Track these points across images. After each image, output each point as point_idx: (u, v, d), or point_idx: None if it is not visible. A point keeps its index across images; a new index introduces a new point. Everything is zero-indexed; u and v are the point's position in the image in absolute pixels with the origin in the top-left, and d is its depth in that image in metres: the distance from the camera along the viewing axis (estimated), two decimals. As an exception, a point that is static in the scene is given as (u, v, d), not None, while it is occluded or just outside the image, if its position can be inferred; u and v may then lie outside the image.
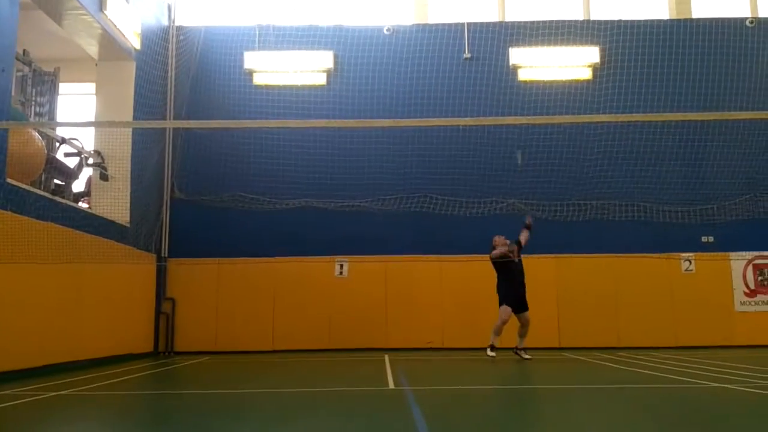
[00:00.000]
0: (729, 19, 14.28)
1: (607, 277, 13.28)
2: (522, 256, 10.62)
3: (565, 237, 13.42)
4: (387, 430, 4.44)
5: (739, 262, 13.27)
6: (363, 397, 6.22)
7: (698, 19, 14.35)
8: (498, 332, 10.09)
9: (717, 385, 6.49)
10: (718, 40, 14.14)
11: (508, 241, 10.29)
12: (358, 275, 13.29)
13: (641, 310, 13.16)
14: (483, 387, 7.11)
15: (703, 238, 13.56)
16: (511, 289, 10.15)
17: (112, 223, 11.05)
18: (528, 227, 10.53)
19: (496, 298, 13.05)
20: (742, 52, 14.14)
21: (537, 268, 13.17)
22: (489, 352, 9.99)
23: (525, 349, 10.33)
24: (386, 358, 10.92)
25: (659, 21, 14.40)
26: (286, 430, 4.51)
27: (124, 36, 11.56)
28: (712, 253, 13.27)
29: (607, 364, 9.43)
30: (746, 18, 14.34)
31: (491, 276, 13.12)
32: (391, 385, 6.93)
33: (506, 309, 10.05)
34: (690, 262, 13.37)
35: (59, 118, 11.69)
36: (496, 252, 10.25)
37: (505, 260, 10.12)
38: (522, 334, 10.32)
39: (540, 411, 5.25)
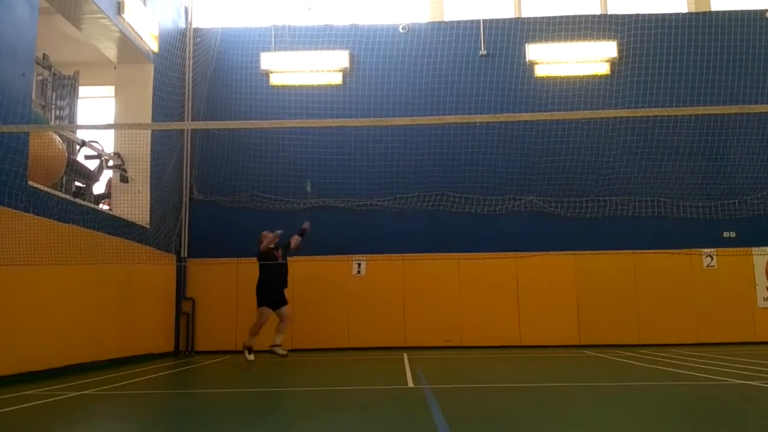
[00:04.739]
0: (748, 12, 14.10)
1: (627, 273, 13.17)
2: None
3: (584, 234, 13.34)
4: (407, 428, 4.44)
5: (761, 258, 13.10)
6: (382, 396, 6.23)
7: (717, 12, 14.19)
8: (254, 333, 10.05)
9: (740, 381, 6.41)
10: (738, 33, 13.96)
11: (277, 234, 10.14)
12: (376, 274, 13.30)
13: (662, 307, 13.05)
14: (503, 385, 7.08)
15: (725, 234, 13.39)
16: (271, 290, 10.11)
17: (133, 224, 11.15)
18: (302, 233, 10.47)
19: (513, 295, 13.17)
20: (762, 45, 13.95)
21: (556, 266, 13.18)
22: (248, 356, 9.95)
23: (279, 346, 10.29)
24: (405, 356, 10.92)
25: (677, 14, 14.25)
26: (305, 429, 4.52)
27: (141, 39, 11.66)
28: (734, 249, 13.12)
29: (628, 361, 9.35)
30: (766, 10, 14.12)
31: (509, 274, 13.17)
32: (411, 384, 6.93)
33: (264, 311, 10.01)
34: (712, 258, 13.23)
35: (79, 121, 11.83)
36: (264, 243, 10.06)
37: (270, 261, 10.00)
38: (280, 330, 10.28)
39: (561, 409, 5.22)
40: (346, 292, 13.23)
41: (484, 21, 14.28)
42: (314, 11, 14.75)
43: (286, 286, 10.51)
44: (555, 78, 14.06)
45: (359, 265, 13.37)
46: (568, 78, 14.03)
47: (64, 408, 5.60)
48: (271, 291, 10.27)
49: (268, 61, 14.20)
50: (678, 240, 13.14)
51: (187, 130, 13.72)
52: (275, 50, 14.25)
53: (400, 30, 14.30)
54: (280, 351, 10.36)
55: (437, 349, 12.77)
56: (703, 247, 13.24)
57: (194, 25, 14.22)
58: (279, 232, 10.24)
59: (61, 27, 10.86)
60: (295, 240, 10.71)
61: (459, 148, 13.81)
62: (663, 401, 5.44)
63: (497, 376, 8.16)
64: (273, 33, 14.32)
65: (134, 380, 7.78)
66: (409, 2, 14.98)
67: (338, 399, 6.08)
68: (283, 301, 10.40)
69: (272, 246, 10.29)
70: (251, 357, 10.21)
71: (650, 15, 14.16)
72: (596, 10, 14.56)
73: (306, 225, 10.78)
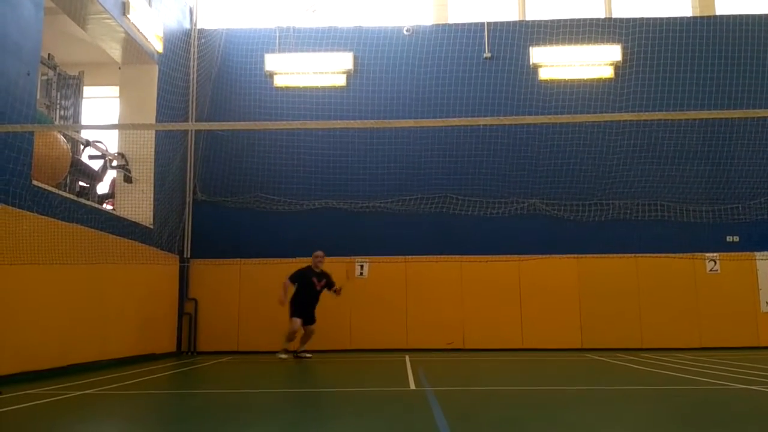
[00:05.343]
0: (753, 16, 14.08)
1: (630, 277, 13.15)
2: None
3: (587, 237, 13.33)
4: (409, 431, 4.44)
5: (765, 262, 13.06)
6: (384, 398, 6.23)
7: (722, 16, 14.17)
8: (289, 339, 10.87)
9: (741, 386, 6.40)
10: (743, 37, 13.95)
11: (321, 257, 11.15)
12: (379, 276, 13.30)
13: (665, 311, 13.02)
14: (505, 388, 7.08)
15: (728, 238, 13.36)
16: (303, 306, 10.83)
17: (136, 224, 11.17)
18: (336, 291, 11.23)
19: (516, 298, 13.16)
20: (767, 49, 13.93)
21: (559, 269, 13.17)
22: (280, 355, 10.83)
23: (305, 351, 11.25)
24: (407, 358, 10.91)
25: (682, 18, 14.23)
26: (306, 430, 4.53)
27: (146, 39, 11.69)
28: (737, 253, 13.09)
29: (630, 365, 9.34)
30: (771, 14, 14.12)
31: (512, 276, 13.17)
32: (413, 386, 6.92)
33: (296, 321, 10.75)
34: (715, 262, 13.20)
35: (84, 121, 11.85)
36: (288, 281, 10.96)
37: (306, 284, 10.91)
38: (304, 341, 11.15)
39: (562, 413, 5.22)
40: (349, 294, 13.16)
41: (489, 24, 14.28)
42: (318, 13, 14.77)
43: (314, 304, 11.05)
44: (559, 81, 14.05)
45: (362, 266, 13.37)
46: (572, 81, 14.03)
47: (65, 407, 5.61)
48: (303, 307, 10.81)
49: (272, 62, 14.22)
50: (681, 244, 13.12)
51: (191, 130, 13.75)
52: (279, 52, 14.27)
53: (404, 32, 14.31)
54: (306, 354, 11.21)
55: (439, 351, 12.76)
56: (706, 252, 13.22)
57: (199, 26, 14.25)
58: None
59: (66, 27, 10.90)
60: (332, 289, 11.24)
61: (462, 150, 13.81)
62: (664, 405, 5.43)
63: (499, 378, 8.16)
64: (277, 34, 14.35)
65: (136, 380, 7.78)
66: (413, 5, 15.00)
67: (340, 400, 6.08)
68: (312, 320, 10.94)
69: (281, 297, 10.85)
70: (284, 356, 10.75)
71: (655, 19, 14.14)
72: (601, 14, 14.55)
73: (338, 290, 11.30)
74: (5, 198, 7.42)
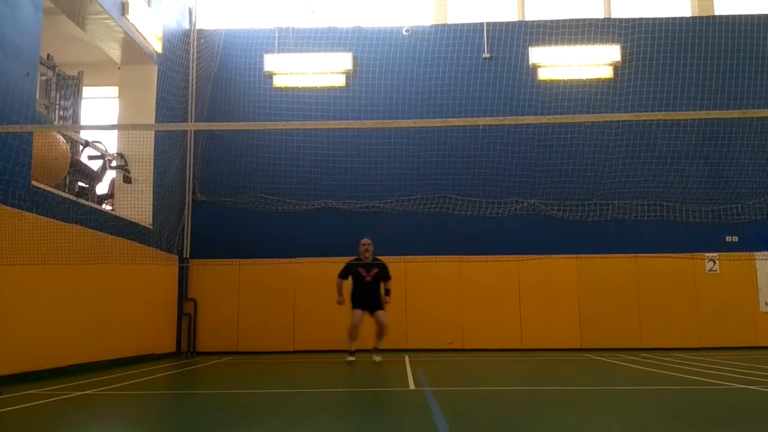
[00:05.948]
0: (752, 16, 14.09)
1: (629, 277, 13.16)
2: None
3: (586, 237, 13.34)
4: (408, 431, 4.44)
5: (764, 262, 13.07)
6: (384, 398, 6.23)
7: (721, 16, 14.18)
8: (351, 336, 10.00)
9: (741, 386, 6.40)
10: (741, 37, 13.96)
11: (367, 245, 10.12)
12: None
13: (664, 311, 13.03)
14: (504, 388, 7.08)
15: (728, 238, 13.37)
16: (358, 297, 9.98)
17: (135, 224, 11.17)
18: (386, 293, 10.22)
19: (515, 298, 13.19)
20: (766, 49, 13.94)
21: (558, 269, 13.17)
22: (347, 357, 9.99)
23: (377, 350, 10.15)
24: (406, 358, 10.91)
25: (681, 18, 14.24)
26: (306, 430, 4.53)
27: (146, 40, 11.69)
28: (736, 253, 13.08)
29: (629, 365, 9.34)
30: (770, 14, 14.14)
31: (511, 276, 13.17)
32: (412, 386, 6.92)
33: (355, 313, 9.91)
34: (714, 262, 13.20)
35: (83, 121, 11.85)
36: (338, 279, 10.19)
37: (355, 274, 10.05)
38: (379, 335, 10.18)
39: (562, 413, 5.22)
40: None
41: (488, 24, 14.29)
42: (318, 13, 14.77)
43: (374, 295, 10.07)
44: (558, 81, 14.06)
45: (361, 267, 13.34)
46: (572, 81, 14.03)
47: (65, 408, 5.61)
48: (357, 297, 10.01)
49: (271, 62, 14.23)
50: (680, 244, 13.13)
51: (191, 131, 13.76)
52: (279, 52, 14.27)
53: (404, 33, 14.31)
54: (374, 357, 10.09)
55: (438, 351, 12.76)
56: (706, 251, 13.22)
57: (198, 27, 14.25)
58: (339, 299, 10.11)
59: (65, 27, 10.88)
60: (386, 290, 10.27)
61: (462, 150, 13.81)
62: (663, 405, 5.43)
63: (498, 378, 8.16)
64: (277, 35, 14.35)
65: (136, 381, 7.78)
66: (412, 5, 15.00)
67: (339, 401, 6.08)
68: (377, 307, 9.99)
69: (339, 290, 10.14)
70: (350, 358, 9.97)
71: (654, 19, 14.15)
72: (600, 14, 14.56)
73: (388, 290, 10.27)
74: (4, 198, 7.42)
